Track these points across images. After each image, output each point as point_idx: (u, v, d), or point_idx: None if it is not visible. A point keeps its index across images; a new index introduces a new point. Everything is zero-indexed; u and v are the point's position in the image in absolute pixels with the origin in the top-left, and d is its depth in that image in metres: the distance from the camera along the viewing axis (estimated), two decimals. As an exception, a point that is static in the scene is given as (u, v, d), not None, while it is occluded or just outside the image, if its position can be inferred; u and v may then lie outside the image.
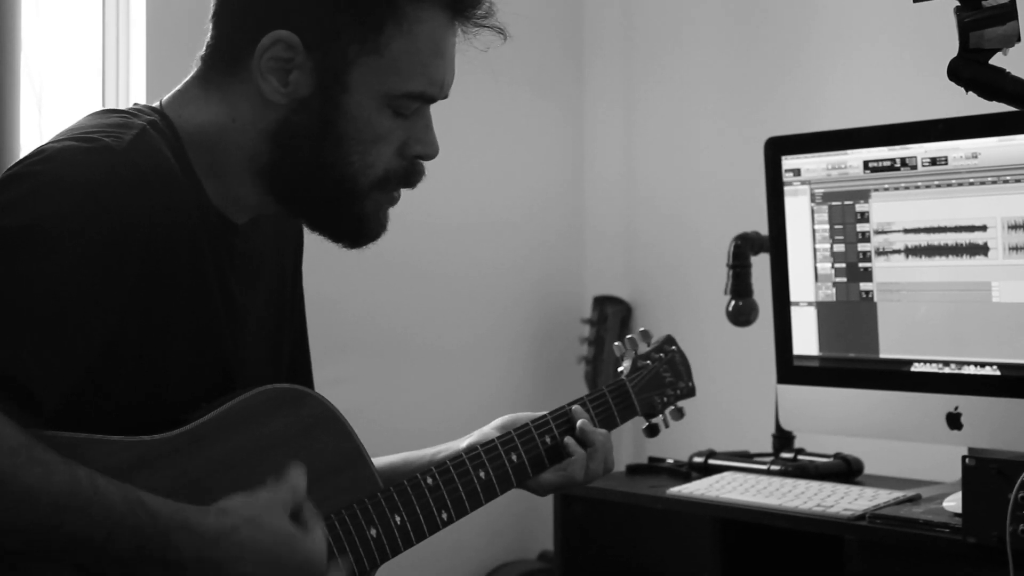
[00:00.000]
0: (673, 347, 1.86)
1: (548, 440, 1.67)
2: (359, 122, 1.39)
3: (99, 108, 2.71)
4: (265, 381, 1.42)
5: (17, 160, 1.32)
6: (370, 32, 1.37)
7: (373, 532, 1.46)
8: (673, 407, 1.83)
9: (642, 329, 1.86)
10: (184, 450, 1.32)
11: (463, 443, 1.64)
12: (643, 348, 1.83)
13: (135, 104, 1.46)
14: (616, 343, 1.84)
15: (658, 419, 1.82)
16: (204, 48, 1.43)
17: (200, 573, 1.24)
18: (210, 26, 1.42)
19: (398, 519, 1.49)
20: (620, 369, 1.81)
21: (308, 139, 1.39)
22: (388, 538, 1.47)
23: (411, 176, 1.45)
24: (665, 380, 1.82)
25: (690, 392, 1.86)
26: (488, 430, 1.67)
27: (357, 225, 1.44)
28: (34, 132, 2.69)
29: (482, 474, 1.59)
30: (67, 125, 1.40)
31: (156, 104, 1.44)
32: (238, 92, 1.40)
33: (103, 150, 1.30)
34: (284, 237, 1.56)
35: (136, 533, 1.21)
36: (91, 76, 2.79)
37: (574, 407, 1.71)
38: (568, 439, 1.67)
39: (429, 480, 1.54)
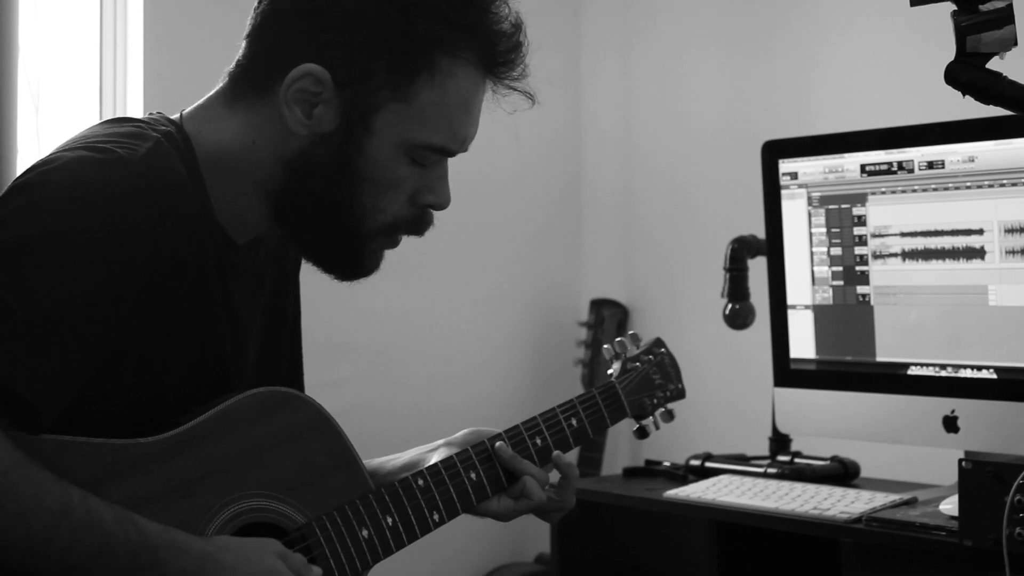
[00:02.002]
0: (663, 349, 1.85)
1: (539, 442, 1.66)
2: (376, 165, 1.38)
3: (99, 112, 2.75)
4: (260, 386, 1.42)
5: (29, 167, 1.31)
6: (402, 80, 1.36)
7: (365, 533, 1.46)
8: (663, 409, 1.82)
9: (632, 332, 1.85)
10: (175, 452, 1.32)
11: (432, 457, 1.61)
12: (632, 351, 1.82)
13: (151, 113, 1.44)
14: (605, 346, 1.83)
15: (648, 421, 1.81)
16: (234, 65, 1.41)
17: None
18: (243, 44, 1.40)
19: (390, 520, 1.49)
20: (610, 372, 1.81)
21: (323, 174, 1.37)
22: (380, 539, 1.48)
23: (420, 224, 1.45)
24: (655, 382, 1.82)
25: (680, 394, 1.85)
26: (447, 446, 1.63)
27: (353, 264, 1.44)
28: (31, 133, 2.69)
29: (473, 476, 1.59)
30: (77, 131, 1.38)
31: (176, 116, 1.42)
32: (263, 115, 1.38)
33: (115, 162, 1.29)
34: (285, 258, 1.55)
35: (126, 550, 1.23)
36: (88, 77, 2.79)
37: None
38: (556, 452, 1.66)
39: (420, 482, 1.54)
